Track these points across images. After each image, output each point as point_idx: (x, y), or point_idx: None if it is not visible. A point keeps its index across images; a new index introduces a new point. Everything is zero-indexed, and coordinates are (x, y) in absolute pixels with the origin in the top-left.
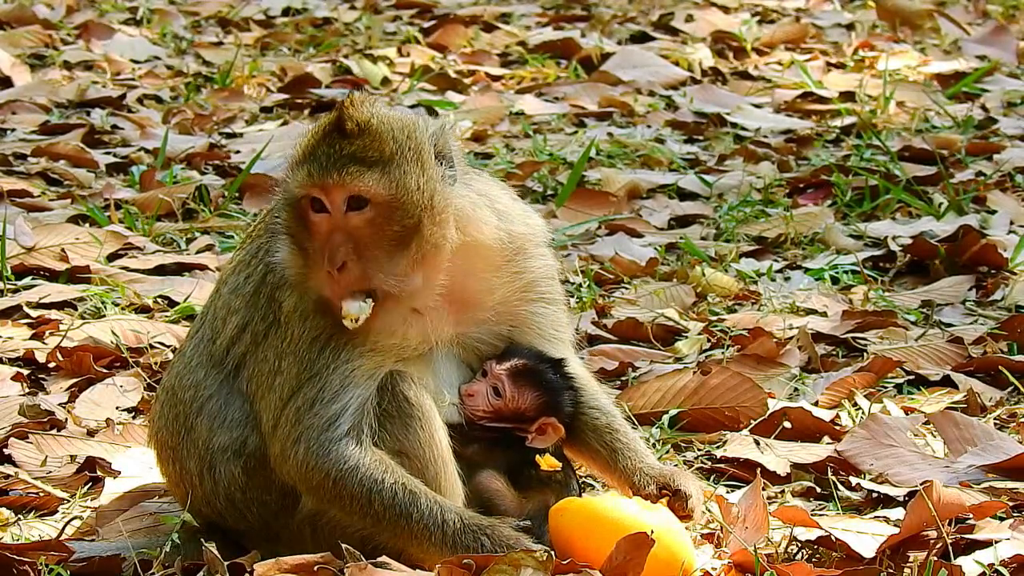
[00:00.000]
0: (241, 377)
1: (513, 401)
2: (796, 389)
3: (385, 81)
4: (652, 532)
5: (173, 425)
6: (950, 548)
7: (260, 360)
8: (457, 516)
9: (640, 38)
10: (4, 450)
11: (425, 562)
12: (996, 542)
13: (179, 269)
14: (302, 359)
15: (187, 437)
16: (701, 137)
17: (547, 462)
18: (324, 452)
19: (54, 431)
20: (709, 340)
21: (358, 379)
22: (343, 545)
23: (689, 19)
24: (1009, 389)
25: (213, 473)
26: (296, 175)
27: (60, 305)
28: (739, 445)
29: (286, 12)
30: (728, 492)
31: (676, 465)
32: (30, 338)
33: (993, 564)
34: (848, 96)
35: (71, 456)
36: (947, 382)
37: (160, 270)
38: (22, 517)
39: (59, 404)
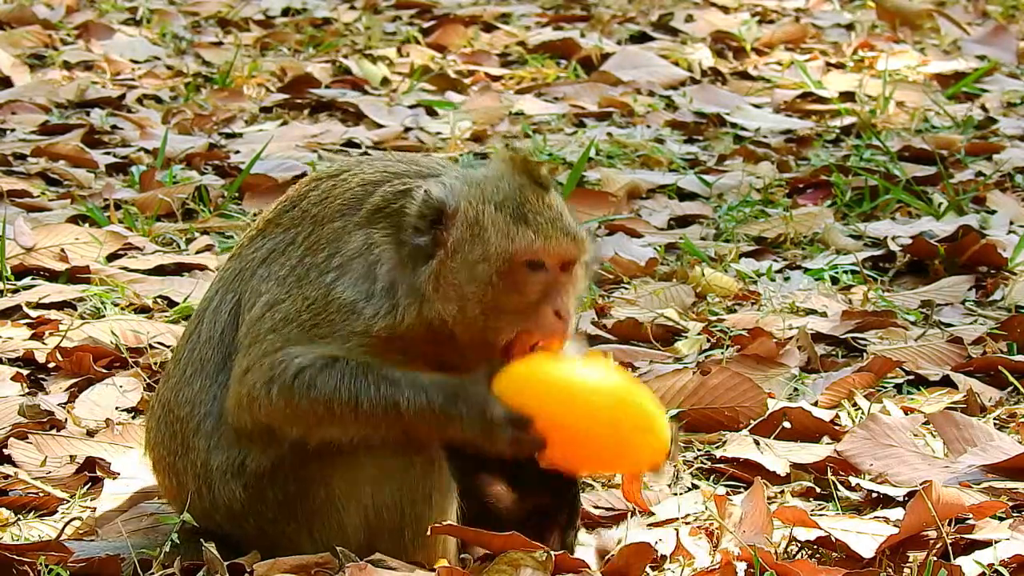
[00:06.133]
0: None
1: None
2: (796, 389)
3: (385, 81)
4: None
5: (170, 443)
6: (950, 548)
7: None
8: (439, 391)
9: (640, 38)
10: (4, 450)
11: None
12: (996, 542)
13: (179, 269)
14: (304, 322)
15: (184, 456)
16: (701, 137)
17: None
18: (304, 384)
19: (54, 431)
20: (709, 340)
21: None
22: (339, 548)
23: (689, 19)
24: (1009, 389)
25: (212, 491)
26: (522, 236)
27: (60, 305)
28: (739, 445)
29: (286, 12)
30: (728, 493)
31: (675, 466)
32: (30, 338)
33: (993, 564)
34: (848, 96)
35: (71, 456)
36: (947, 382)
37: (160, 270)
38: (22, 517)
39: (59, 404)
